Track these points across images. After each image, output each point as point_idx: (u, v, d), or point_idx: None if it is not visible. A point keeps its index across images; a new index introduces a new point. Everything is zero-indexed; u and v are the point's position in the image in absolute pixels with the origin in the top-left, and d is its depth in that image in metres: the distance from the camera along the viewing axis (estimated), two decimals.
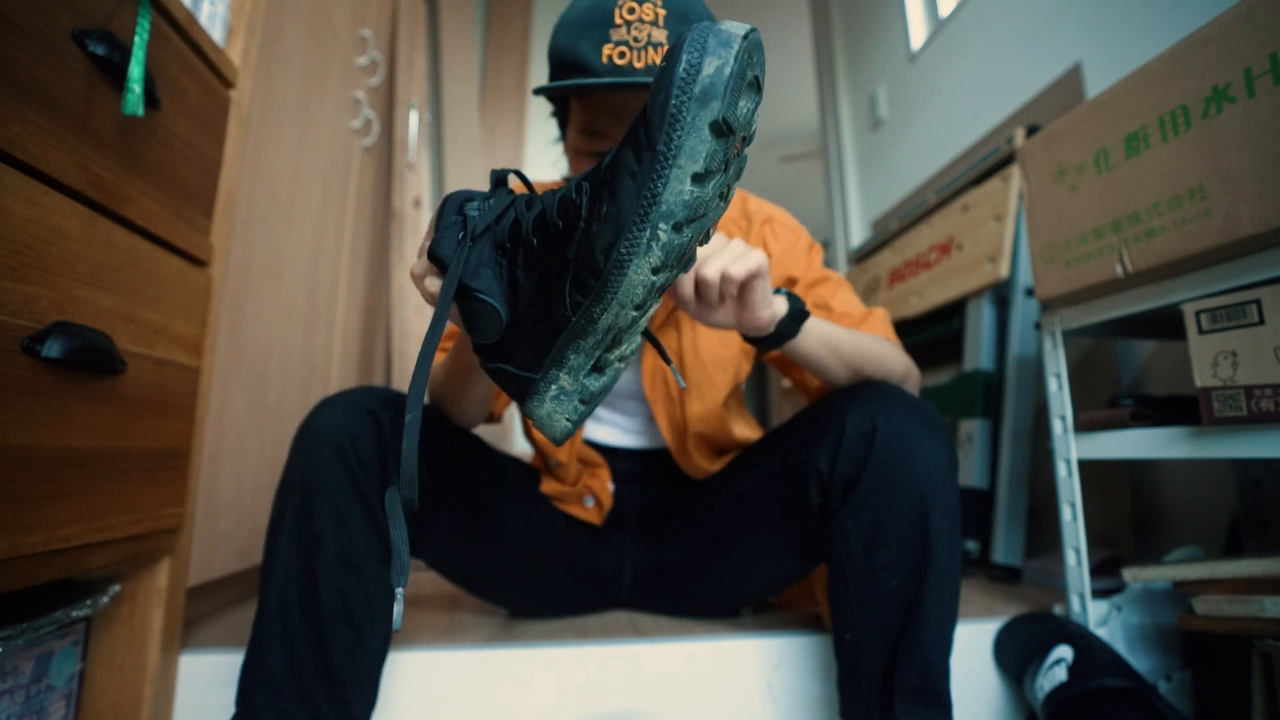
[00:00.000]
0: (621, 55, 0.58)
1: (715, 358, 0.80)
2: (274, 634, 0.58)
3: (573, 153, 0.68)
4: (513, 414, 1.81)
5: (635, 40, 0.58)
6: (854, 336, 0.69)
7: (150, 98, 0.61)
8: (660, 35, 0.58)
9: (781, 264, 0.79)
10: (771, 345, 0.64)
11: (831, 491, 0.64)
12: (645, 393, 0.82)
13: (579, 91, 0.61)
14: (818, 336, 0.65)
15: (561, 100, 0.68)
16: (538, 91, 0.61)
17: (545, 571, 0.82)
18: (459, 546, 0.73)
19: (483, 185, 2.20)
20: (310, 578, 0.59)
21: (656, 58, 0.57)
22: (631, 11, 0.58)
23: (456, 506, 0.71)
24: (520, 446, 2.30)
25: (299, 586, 0.59)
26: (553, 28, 0.63)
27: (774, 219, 0.81)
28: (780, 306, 0.62)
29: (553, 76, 0.63)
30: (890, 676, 0.60)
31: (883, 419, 0.61)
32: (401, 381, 1.60)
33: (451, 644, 0.78)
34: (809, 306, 0.75)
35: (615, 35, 0.58)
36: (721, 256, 0.56)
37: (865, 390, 0.66)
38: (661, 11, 0.58)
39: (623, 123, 0.61)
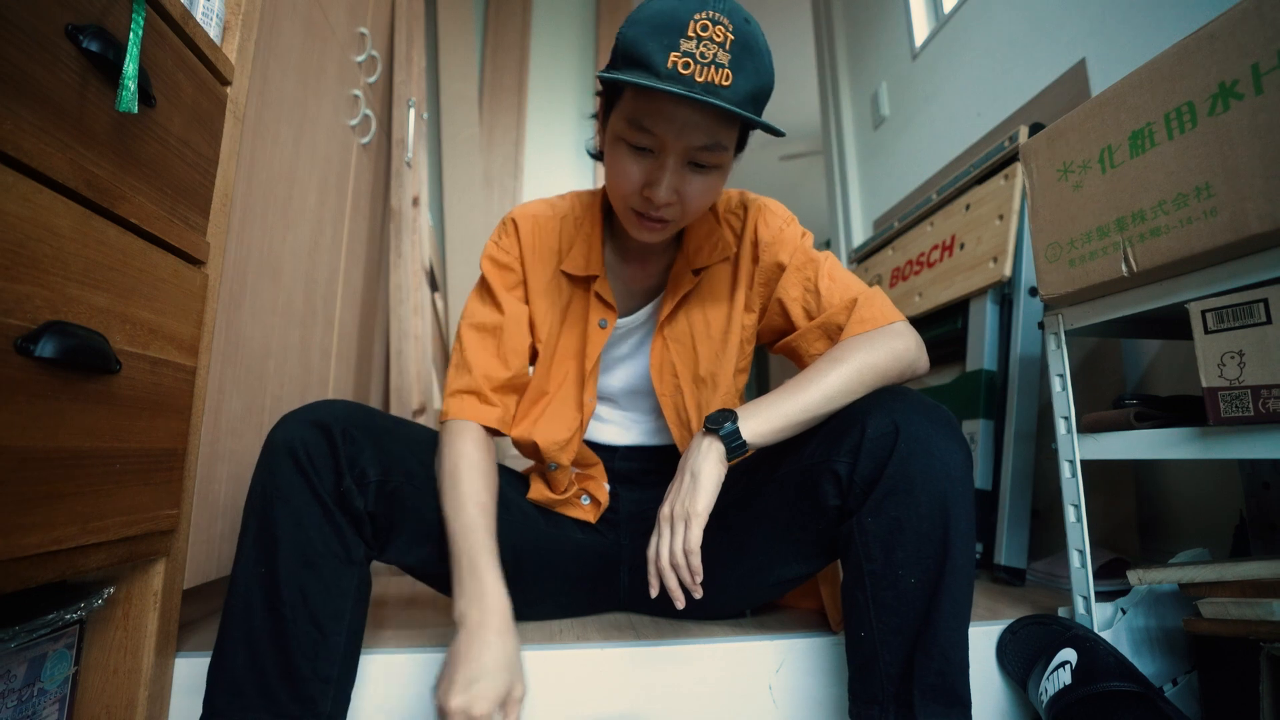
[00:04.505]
0: (686, 66, 0.61)
1: (717, 347, 0.82)
2: (237, 635, 0.61)
3: (612, 137, 0.70)
4: None
5: (701, 55, 0.61)
6: (821, 383, 0.69)
7: (145, 95, 0.61)
8: (724, 58, 0.61)
9: (769, 249, 0.81)
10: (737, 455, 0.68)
11: (851, 493, 0.64)
12: (654, 385, 0.83)
13: (643, 88, 0.64)
14: (772, 428, 0.67)
15: (614, 87, 0.70)
16: (602, 77, 0.65)
17: (532, 572, 0.82)
18: (429, 549, 0.73)
19: (480, 185, 2.20)
20: (272, 579, 0.61)
21: (715, 76, 0.61)
22: (705, 29, 0.61)
23: (421, 507, 0.71)
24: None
25: (261, 588, 0.61)
26: (628, 16, 0.65)
27: (766, 208, 0.83)
28: (711, 467, 0.66)
29: (613, 62, 0.67)
30: (908, 674, 0.60)
31: (903, 421, 0.62)
32: (399, 380, 1.59)
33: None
34: (799, 290, 0.79)
35: (684, 45, 0.61)
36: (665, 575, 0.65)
37: (883, 395, 0.67)
38: (731, 36, 0.61)
39: (671, 127, 0.64)
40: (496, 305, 0.81)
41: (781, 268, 0.80)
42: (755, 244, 0.81)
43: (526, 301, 0.83)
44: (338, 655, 0.63)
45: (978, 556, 1.18)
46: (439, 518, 0.72)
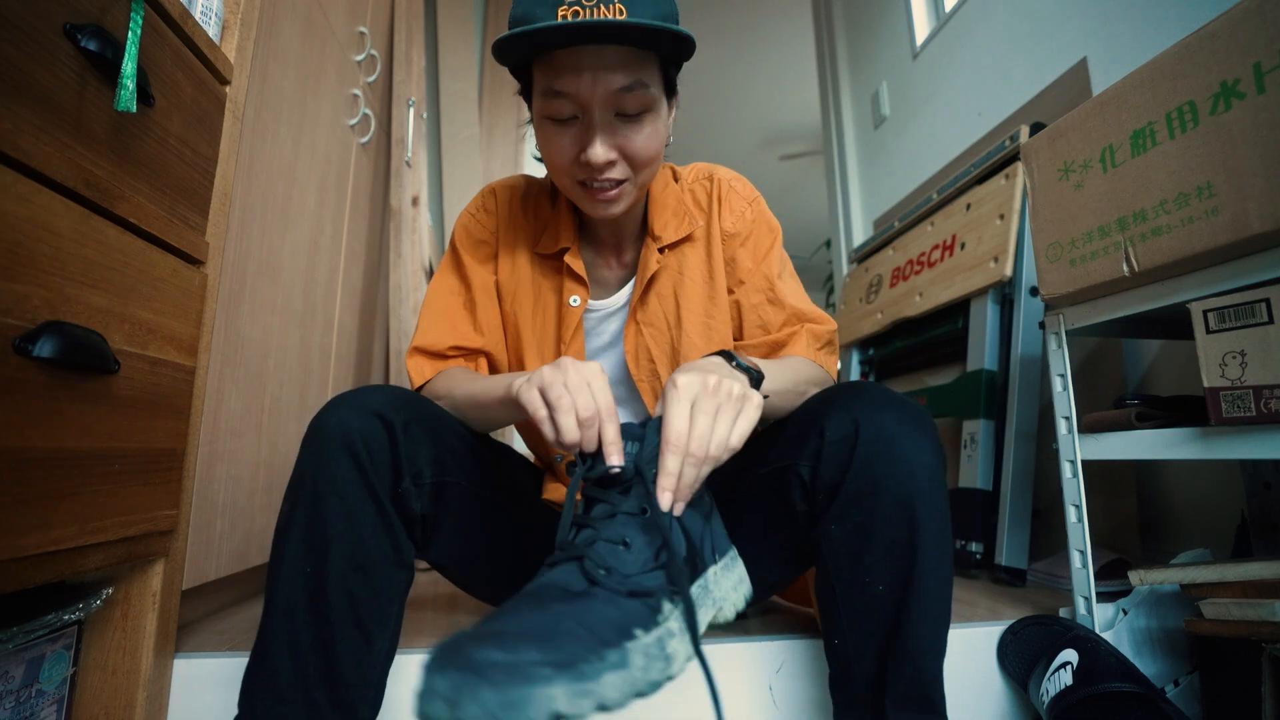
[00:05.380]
0: (575, 14, 0.58)
1: (698, 329, 0.80)
2: (280, 636, 0.57)
3: (539, 120, 0.68)
4: None
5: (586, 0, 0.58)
6: (796, 384, 0.70)
7: (144, 94, 0.60)
8: None
9: (731, 242, 0.80)
10: None
11: (816, 498, 0.62)
12: (630, 373, 0.80)
13: (538, 52, 0.62)
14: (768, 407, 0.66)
15: (525, 73, 0.69)
16: (497, 53, 0.62)
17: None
18: (466, 551, 0.72)
19: (480, 185, 2.19)
20: (319, 580, 0.57)
21: (608, 12, 0.58)
22: None
23: (466, 506, 0.69)
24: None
25: (307, 589, 0.58)
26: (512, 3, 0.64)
27: (733, 190, 0.81)
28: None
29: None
30: (880, 682, 0.58)
31: (864, 419, 0.59)
32: (399, 380, 1.59)
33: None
34: (755, 294, 0.79)
35: None
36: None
37: (843, 391, 0.64)
38: None
39: (582, 80, 0.62)
40: (462, 277, 0.82)
41: (740, 273, 0.80)
42: (721, 231, 0.80)
43: (495, 271, 0.83)
44: (380, 661, 0.60)
45: (978, 557, 1.18)
46: (479, 513, 0.71)
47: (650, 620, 0.46)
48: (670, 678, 0.45)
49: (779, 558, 0.70)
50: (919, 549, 0.57)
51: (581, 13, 0.58)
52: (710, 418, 0.51)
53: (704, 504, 0.57)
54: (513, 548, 0.76)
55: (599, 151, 0.65)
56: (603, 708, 0.40)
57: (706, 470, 0.52)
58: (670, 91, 0.70)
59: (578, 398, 0.52)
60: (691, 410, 0.51)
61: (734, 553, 0.58)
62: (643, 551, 0.48)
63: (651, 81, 0.64)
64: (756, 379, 0.60)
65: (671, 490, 0.51)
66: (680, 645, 0.46)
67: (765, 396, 0.61)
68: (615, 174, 0.68)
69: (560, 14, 0.58)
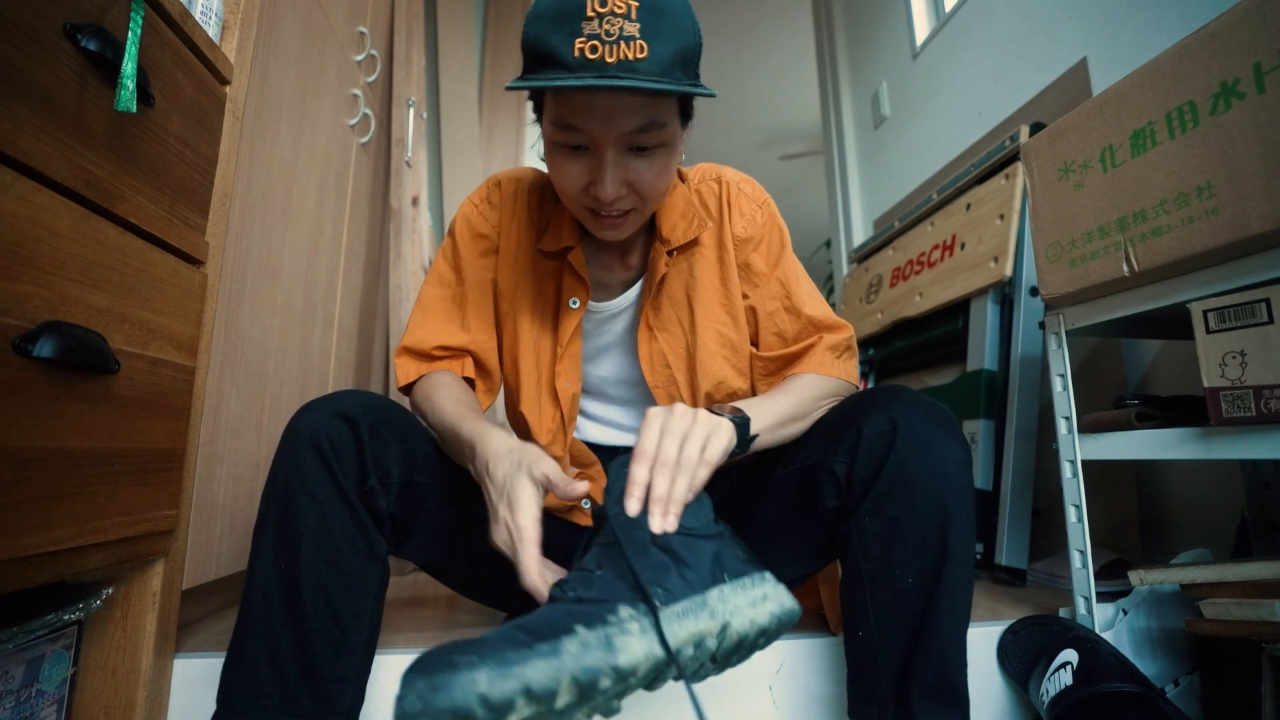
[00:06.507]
0: (594, 50, 0.56)
1: (714, 334, 0.80)
2: (256, 632, 0.59)
3: (547, 141, 0.67)
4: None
5: (607, 34, 0.56)
6: (800, 406, 0.70)
7: (144, 94, 0.61)
8: (632, 29, 0.56)
9: (742, 247, 0.79)
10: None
11: (849, 493, 0.64)
12: (645, 378, 0.80)
13: (553, 89, 0.61)
14: (767, 439, 0.66)
15: (538, 90, 0.68)
16: (510, 87, 0.61)
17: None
18: (444, 548, 0.73)
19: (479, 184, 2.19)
20: (293, 576, 0.59)
21: (629, 52, 0.56)
22: (604, 3, 0.56)
23: (441, 508, 0.70)
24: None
25: (282, 585, 0.59)
26: (528, 13, 0.61)
27: (741, 193, 0.80)
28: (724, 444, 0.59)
29: (526, 66, 0.62)
30: (906, 674, 0.60)
31: (901, 419, 0.61)
32: None
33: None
34: (771, 302, 0.79)
35: (587, 29, 0.56)
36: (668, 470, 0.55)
37: (879, 394, 0.66)
38: (634, 4, 0.57)
39: (595, 119, 0.60)
40: (457, 268, 0.81)
41: (750, 265, 0.79)
42: (732, 236, 0.79)
43: (495, 268, 0.82)
44: (358, 654, 0.62)
45: (978, 557, 1.18)
46: (454, 517, 0.71)
47: (597, 619, 0.49)
48: (615, 667, 0.46)
49: (797, 554, 0.72)
50: (949, 544, 0.60)
51: (600, 47, 0.56)
52: (678, 436, 0.55)
53: (710, 529, 0.57)
54: (491, 549, 0.76)
55: (609, 189, 0.64)
56: (529, 689, 0.43)
57: (683, 483, 0.54)
58: (687, 116, 0.69)
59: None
60: (660, 432, 0.55)
61: (754, 578, 0.57)
62: (611, 577, 0.53)
63: (669, 118, 0.63)
64: (739, 422, 0.62)
65: (639, 499, 0.53)
66: (637, 643, 0.48)
67: (754, 437, 0.63)
68: (624, 205, 0.67)
69: (577, 46, 0.56)
